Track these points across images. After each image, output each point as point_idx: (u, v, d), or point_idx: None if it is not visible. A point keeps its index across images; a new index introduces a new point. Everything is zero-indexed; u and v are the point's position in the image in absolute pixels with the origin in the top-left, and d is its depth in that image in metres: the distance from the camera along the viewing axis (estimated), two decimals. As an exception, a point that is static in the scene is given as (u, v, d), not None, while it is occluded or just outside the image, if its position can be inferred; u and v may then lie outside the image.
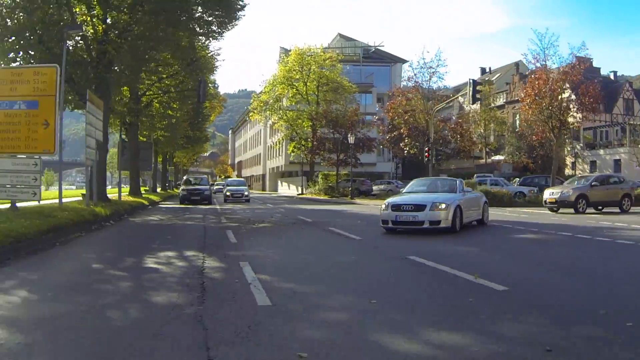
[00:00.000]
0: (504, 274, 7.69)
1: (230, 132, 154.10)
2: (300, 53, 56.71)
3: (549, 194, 26.00)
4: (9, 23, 23.02)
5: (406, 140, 42.76)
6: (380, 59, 71.23)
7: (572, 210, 24.46)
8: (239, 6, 27.16)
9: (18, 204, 16.78)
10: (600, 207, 25.89)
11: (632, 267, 8.90)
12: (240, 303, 6.06)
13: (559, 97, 32.44)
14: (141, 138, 43.11)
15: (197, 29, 28.31)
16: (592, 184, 25.54)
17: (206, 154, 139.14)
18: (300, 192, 60.07)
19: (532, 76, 34.43)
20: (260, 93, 62.91)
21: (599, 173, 38.39)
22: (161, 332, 4.84)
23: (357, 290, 6.92)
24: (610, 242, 12.03)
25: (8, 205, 16.82)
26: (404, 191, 17.98)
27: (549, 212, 25.29)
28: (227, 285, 7.17)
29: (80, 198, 24.58)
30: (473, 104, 32.93)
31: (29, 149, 16.82)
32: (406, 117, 41.07)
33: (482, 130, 54.81)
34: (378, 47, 71.58)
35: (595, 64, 55.72)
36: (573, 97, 36.28)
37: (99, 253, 11.00)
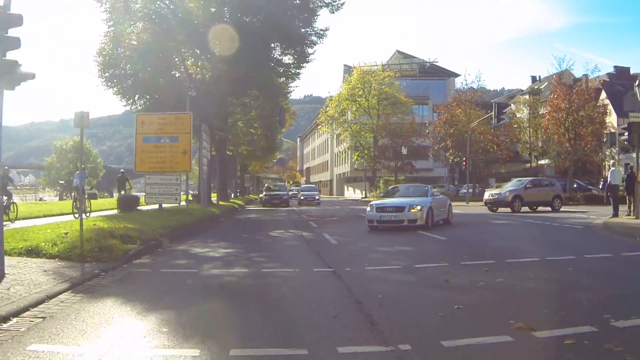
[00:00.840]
0: (451, 235, 15.10)
1: (298, 139, 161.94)
2: (362, 73, 63.93)
3: (488, 195, 28.88)
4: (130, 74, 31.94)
5: (451, 151, 49.63)
6: (435, 73, 77.75)
7: (509, 210, 26.92)
8: (310, 44, 34.54)
9: (164, 205, 24.72)
10: (534, 207, 28.12)
11: (529, 233, 15.99)
12: (325, 243, 13.87)
13: (575, 113, 38.39)
14: (228, 152, 51.52)
15: (278, 69, 36.17)
16: (527, 186, 28.14)
17: (274, 160, 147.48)
18: (364, 195, 67.19)
19: (552, 96, 40.58)
20: (326, 107, 70.49)
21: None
22: (297, 249, 12.66)
23: (377, 240, 14.44)
24: (541, 224, 18.91)
25: (157, 206, 24.77)
26: (382, 195, 21.58)
27: (489, 211, 28.14)
28: (318, 240, 14.97)
29: (184, 203, 32.72)
30: (497, 124, 39.39)
31: (172, 169, 24.53)
32: (451, 131, 47.92)
33: (527, 137, 60.34)
34: (433, 63, 78.27)
35: None
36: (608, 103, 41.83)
37: (238, 232, 18.83)
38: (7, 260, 9.05)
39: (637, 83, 18.84)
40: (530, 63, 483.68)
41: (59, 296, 7.32)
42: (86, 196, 21.39)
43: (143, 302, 6.83)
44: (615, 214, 20.92)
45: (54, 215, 22.83)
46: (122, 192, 26.35)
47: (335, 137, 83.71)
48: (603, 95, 60.83)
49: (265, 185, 54.75)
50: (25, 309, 6.55)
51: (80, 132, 12.98)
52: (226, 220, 25.95)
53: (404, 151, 49.73)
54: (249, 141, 53.73)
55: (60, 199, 65.22)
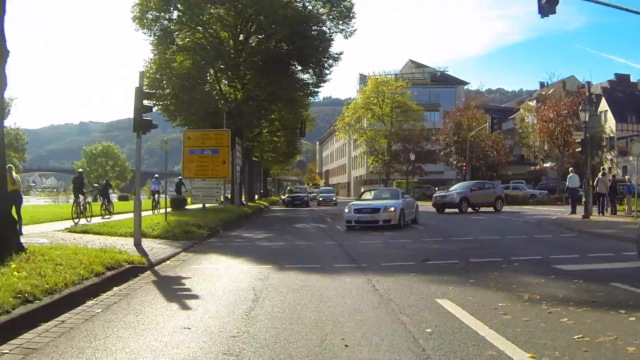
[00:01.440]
0: (427, 225, 20.50)
1: (317, 143, 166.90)
2: (376, 83, 69.12)
3: (436, 197, 31.47)
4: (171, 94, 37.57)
5: (455, 156, 55.00)
6: (446, 81, 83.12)
7: (456, 210, 29.21)
8: (327, 67, 40.08)
9: (207, 205, 30.23)
10: (477, 208, 30.46)
11: (487, 224, 21.28)
12: (336, 231, 19.61)
13: (564, 122, 43.35)
14: (254, 158, 57.21)
15: (298, 86, 41.67)
16: (472, 188, 30.80)
17: (294, 163, 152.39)
18: (378, 197, 72.13)
19: (543, 108, 45.63)
20: (343, 115, 75.83)
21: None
22: (316, 234, 18.38)
23: (372, 229, 19.87)
24: (505, 219, 24.19)
25: (200, 206, 30.26)
26: (356, 198, 24.35)
27: (436, 210, 30.57)
28: (331, 229, 20.65)
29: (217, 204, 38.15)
30: (492, 133, 44.65)
31: (213, 176, 29.93)
32: (455, 138, 53.28)
33: (532, 142, 65.15)
34: (444, 72, 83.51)
35: None
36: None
37: (271, 225, 24.45)
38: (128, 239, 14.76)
39: (580, 108, 23.94)
40: (547, 64, 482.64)
41: (179, 254, 12.94)
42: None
43: (230, 255, 12.51)
44: (573, 212, 25.60)
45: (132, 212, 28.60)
46: (178, 195, 32.15)
47: (352, 142, 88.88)
48: (603, 101, 65.35)
49: (288, 187, 60.75)
50: (168, 258, 12.15)
51: (165, 155, 18.71)
52: (258, 217, 31.61)
53: (412, 157, 55.17)
54: (272, 148, 59.59)
55: (94, 200, 70.59)
